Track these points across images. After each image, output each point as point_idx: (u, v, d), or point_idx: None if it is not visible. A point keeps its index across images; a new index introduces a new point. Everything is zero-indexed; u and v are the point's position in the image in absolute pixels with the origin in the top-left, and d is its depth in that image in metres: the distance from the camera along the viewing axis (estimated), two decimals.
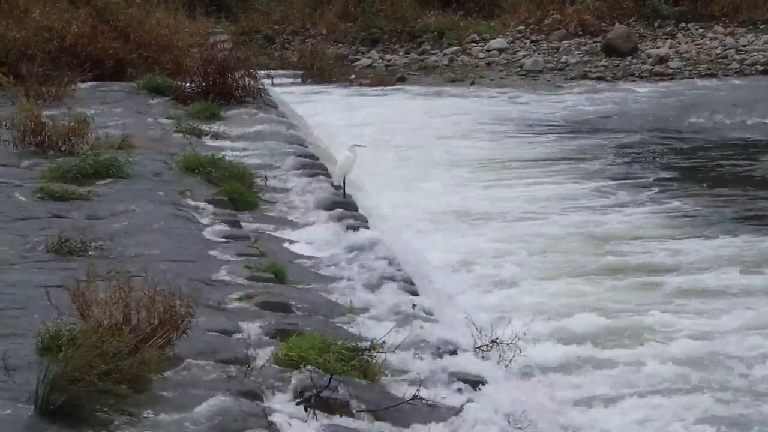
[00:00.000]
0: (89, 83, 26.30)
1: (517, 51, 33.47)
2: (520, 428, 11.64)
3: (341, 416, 11.39)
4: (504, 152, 24.13)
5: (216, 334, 12.77)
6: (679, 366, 13.34)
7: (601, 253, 17.54)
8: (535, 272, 16.79)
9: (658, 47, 33.08)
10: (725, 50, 32.94)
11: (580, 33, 33.87)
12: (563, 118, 26.81)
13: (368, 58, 32.78)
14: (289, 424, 10.99)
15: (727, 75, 31.14)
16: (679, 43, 33.21)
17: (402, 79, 30.99)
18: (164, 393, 11.25)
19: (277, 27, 33.68)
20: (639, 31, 33.62)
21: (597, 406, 12.73)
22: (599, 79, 30.85)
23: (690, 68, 31.32)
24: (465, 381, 12.65)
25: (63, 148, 20.23)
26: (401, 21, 33.97)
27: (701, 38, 33.68)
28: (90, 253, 14.87)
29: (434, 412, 11.96)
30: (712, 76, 30.85)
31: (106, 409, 10.74)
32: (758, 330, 14.64)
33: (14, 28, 26.97)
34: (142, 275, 13.06)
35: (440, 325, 14.13)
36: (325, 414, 11.33)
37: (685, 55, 31.94)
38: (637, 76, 31.07)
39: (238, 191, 18.65)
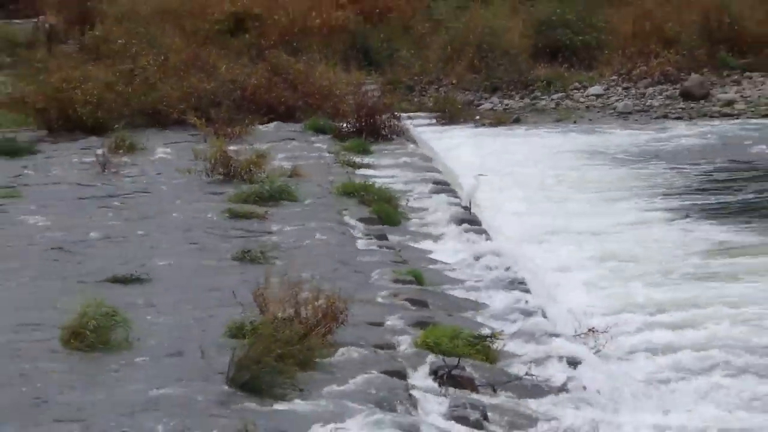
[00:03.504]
0: (265, 125, 26.41)
1: (611, 96, 33.17)
2: (611, 401, 11.69)
3: (468, 391, 11.44)
4: (602, 174, 24.00)
5: (367, 324, 12.97)
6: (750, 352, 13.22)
7: (683, 259, 17.39)
8: (629, 275, 16.70)
9: (726, 92, 32.69)
10: None
11: (663, 81, 33.51)
12: (647, 149, 26.55)
13: (490, 102, 32.72)
14: (425, 397, 11.11)
15: None
16: (744, 89, 32.79)
17: (517, 120, 30.91)
18: (326, 372, 11.43)
19: (416, 78, 33.66)
20: (711, 80, 33.22)
21: (673, 382, 12.55)
22: (677, 119, 30.53)
23: (752, 109, 30.92)
24: (567, 362, 12.71)
25: (245, 177, 20.41)
26: (517, 72, 33.83)
27: (762, 85, 33.23)
28: (267, 260, 15.04)
29: (542, 387, 12.05)
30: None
31: (281, 384, 10.88)
32: None
33: (205, 81, 27.19)
34: (309, 278, 13.21)
35: (547, 319, 14.24)
36: (455, 389, 11.43)
37: (748, 98, 31.53)
38: (709, 116, 30.71)
39: (385, 211, 18.76)
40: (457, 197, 20.37)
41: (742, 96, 32.45)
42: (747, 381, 12.21)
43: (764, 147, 25.98)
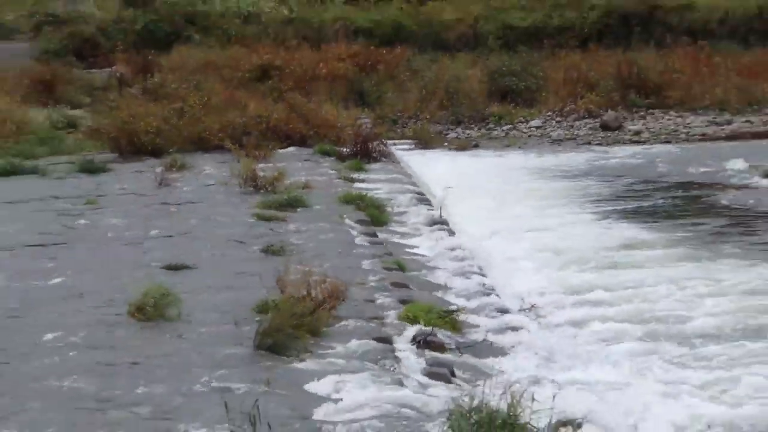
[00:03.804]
0: (284, 149, 26.46)
1: (547, 128, 33.14)
2: (547, 359, 11.80)
3: (439, 352, 11.53)
4: (541, 186, 24.11)
5: (362, 302, 12.98)
6: (648, 323, 13.31)
7: (604, 251, 17.46)
8: (562, 263, 16.79)
9: (635, 125, 32.77)
10: (677, 126, 32.59)
11: (587, 116, 33.52)
12: (576, 167, 26.66)
13: (455, 132, 32.69)
14: (407, 357, 11.15)
15: (678, 142, 30.82)
16: (648, 122, 32.86)
17: (476, 145, 30.89)
18: (331, 338, 11.48)
19: (399, 113, 33.62)
20: (623, 115, 33.25)
21: (594, 345, 12.62)
22: (598, 144, 30.64)
23: (655, 137, 30.98)
24: (514, 330, 12.79)
25: (269, 189, 20.43)
26: (475, 109, 33.82)
27: (661, 119, 33.31)
28: (285, 252, 15.08)
29: (496, 349, 12.11)
30: (668, 142, 30.54)
31: (296, 347, 10.91)
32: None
33: (239, 116, 27.25)
34: (317, 266, 13.26)
35: (499, 297, 14.26)
36: (429, 351, 11.48)
37: (651, 129, 31.58)
38: (622, 143, 30.77)
39: (375, 215, 18.78)
40: (430, 205, 20.45)
41: (646, 127, 32.56)
42: (648, 344, 12.37)
43: (666, 166, 26.09)
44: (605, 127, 32.60)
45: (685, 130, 32.19)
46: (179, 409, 9.47)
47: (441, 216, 19.16)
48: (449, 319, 12.83)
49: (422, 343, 11.61)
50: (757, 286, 14.82)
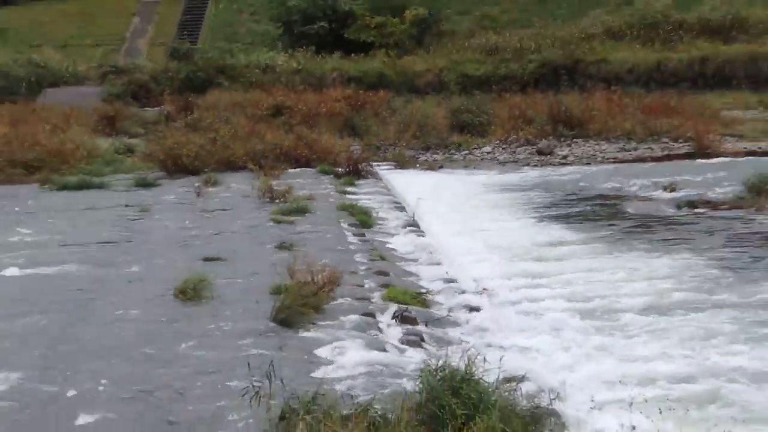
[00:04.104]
0: (293, 170, 26.43)
1: (495, 153, 32.84)
2: (495, 330, 11.75)
3: (412, 325, 11.48)
4: (491, 197, 24.04)
5: (354, 286, 12.92)
6: (576, 301, 13.28)
7: (539, 246, 17.44)
8: (506, 254, 16.64)
9: (563, 151, 32.67)
10: (595, 151, 32.50)
11: (526, 144, 33.25)
12: (518, 183, 26.64)
13: (425, 156, 32.49)
14: (388, 328, 11.14)
15: (596, 163, 30.71)
16: (573, 149, 32.70)
17: (441, 167, 30.65)
18: (329, 314, 11.44)
19: (381, 142, 33.35)
20: (554, 143, 33.11)
21: (532, 318, 12.57)
22: (535, 166, 30.49)
23: (578, 160, 30.93)
24: (470, 308, 12.75)
25: (281, 199, 20.35)
26: (440, 139, 33.54)
27: (584, 146, 33.24)
28: (294, 248, 15.02)
29: (456, 322, 12.11)
30: (589, 164, 30.46)
31: (302, 321, 10.89)
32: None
33: (258, 144, 27.23)
34: (319, 259, 13.25)
35: (458, 283, 14.19)
36: (405, 324, 11.44)
37: (576, 154, 31.58)
38: (553, 165, 30.62)
39: (363, 219, 18.62)
40: (405, 212, 20.39)
41: (572, 152, 32.38)
42: (575, 317, 12.29)
43: (586, 182, 26.08)
44: (540, 152, 32.54)
45: (601, 155, 32.19)
46: (213, 366, 9.53)
47: (414, 220, 19.14)
48: (420, 299, 12.82)
49: (399, 317, 11.62)
50: (661, 273, 14.84)
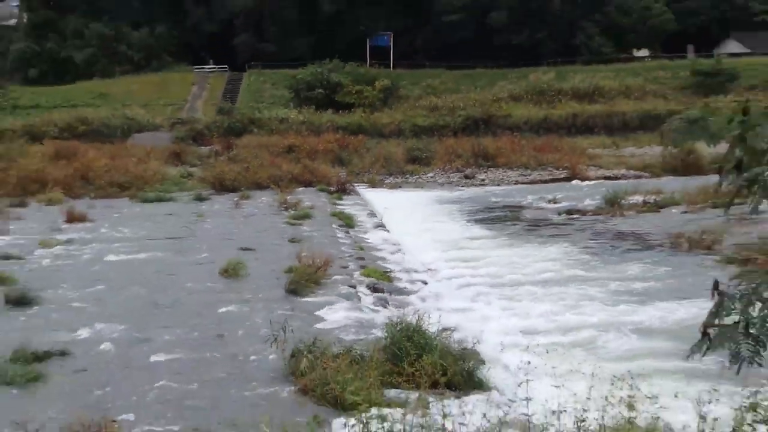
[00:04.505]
0: (301, 188, 26.30)
1: (437, 177, 32.82)
2: (436, 297, 11.71)
3: (381, 293, 11.45)
4: (432, 208, 23.98)
5: (341, 267, 12.80)
6: (493, 276, 13.28)
7: (466, 240, 17.42)
8: (444, 246, 16.56)
9: (482, 175, 32.63)
10: (503, 176, 32.35)
11: (457, 171, 33.12)
12: (452, 198, 26.59)
13: (390, 179, 32.26)
14: (365, 296, 11.06)
15: (503, 185, 30.73)
16: (489, 174, 32.56)
17: (400, 187, 30.58)
18: (325, 286, 11.39)
19: (360, 170, 33.14)
20: (476, 171, 33.12)
21: (465, 289, 12.48)
22: (464, 186, 30.46)
23: (492, 182, 30.90)
24: (421, 282, 12.71)
25: (292, 209, 20.24)
26: (399, 168, 33.44)
27: (495, 172, 33.15)
28: (301, 242, 14.92)
29: (411, 292, 12.02)
30: (499, 185, 30.46)
31: (307, 291, 10.85)
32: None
33: (277, 171, 27.09)
34: (318, 248, 13.16)
35: (412, 265, 14.15)
36: (376, 293, 11.40)
37: (491, 178, 31.66)
38: (476, 185, 30.59)
39: (348, 222, 18.56)
40: (376, 217, 20.33)
41: (488, 177, 32.41)
42: (492, 287, 12.30)
43: (497, 197, 26.10)
44: (466, 177, 32.52)
45: (507, 178, 32.26)
46: (247, 321, 9.50)
47: (382, 222, 19.12)
48: (386, 276, 12.78)
49: (372, 288, 11.58)
50: (549, 257, 14.83)
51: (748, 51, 47.94)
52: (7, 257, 13.93)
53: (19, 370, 7.56)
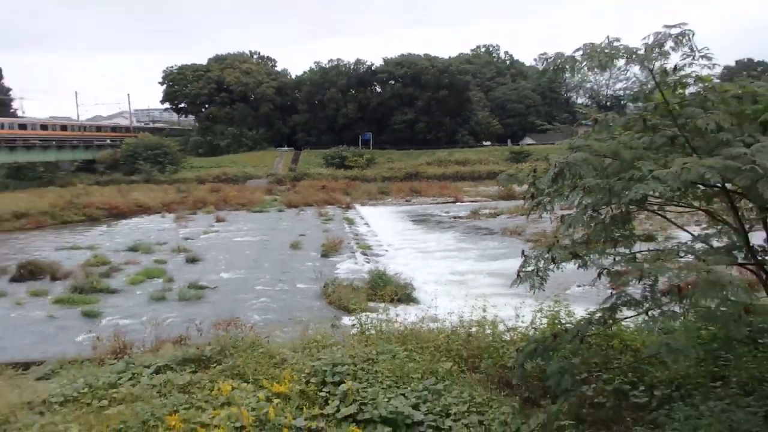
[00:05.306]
0: (328, 206, 24.46)
1: (393, 201, 31.02)
2: (394, 258, 11.00)
3: (368, 257, 10.68)
4: (391, 215, 21.59)
5: (346, 244, 12.06)
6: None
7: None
8: (396, 233, 15.49)
9: (414, 200, 26.85)
10: (425, 201, 26.76)
11: (403, 198, 28.36)
12: (402, 211, 24.33)
13: (372, 201, 30.57)
14: (359, 257, 10.30)
15: (426, 205, 25.54)
16: (417, 199, 26.51)
17: (375, 205, 28.18)
18: (339, 252, 10.88)
19: (356, 197, 31.22)
20: (411, 198, 27.00)
21: (408, 254, 11.58)
22: (406, 205, 25.81)
23: (420, 203, 26.28)
24: (385, 250, 12.02)
25: (324, 216, 18.77)
26: (375, 196, 31.60)
27: (420, 198, 27.10)
28: (328, 232, 14.02)
29: (387, 258, 11.20)
30: (422, 205, 25.24)
31: (330, 255, 10.06)
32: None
33: (316, 197, 24.97)
34: (336, 235, 12.52)
35: (382, 244, 13.25)
36: (364, 256, 10.68)
37: (419, 201, 27.07)
38: (411, 205, 25.96)
39: (350, 222, 17.71)
40: (364, 219, 19.28)
41: (417, 201, 27.28)
42: (420, 253, 11.53)
43: (425, 211, 22.47)
44: (407, 201, 29.35)
45: (426, 202, 28.36)
46: (301, 270, 9.03)
47: (367, 222, 18.12)
48: (369, 247, 12.16)
49: (363, 253, 11.08)
50: (448, 238, 14.23)
51: (535, 143, 49.17)
52: (187, 238, 13.57)
53: (191, 293, 7.57)
